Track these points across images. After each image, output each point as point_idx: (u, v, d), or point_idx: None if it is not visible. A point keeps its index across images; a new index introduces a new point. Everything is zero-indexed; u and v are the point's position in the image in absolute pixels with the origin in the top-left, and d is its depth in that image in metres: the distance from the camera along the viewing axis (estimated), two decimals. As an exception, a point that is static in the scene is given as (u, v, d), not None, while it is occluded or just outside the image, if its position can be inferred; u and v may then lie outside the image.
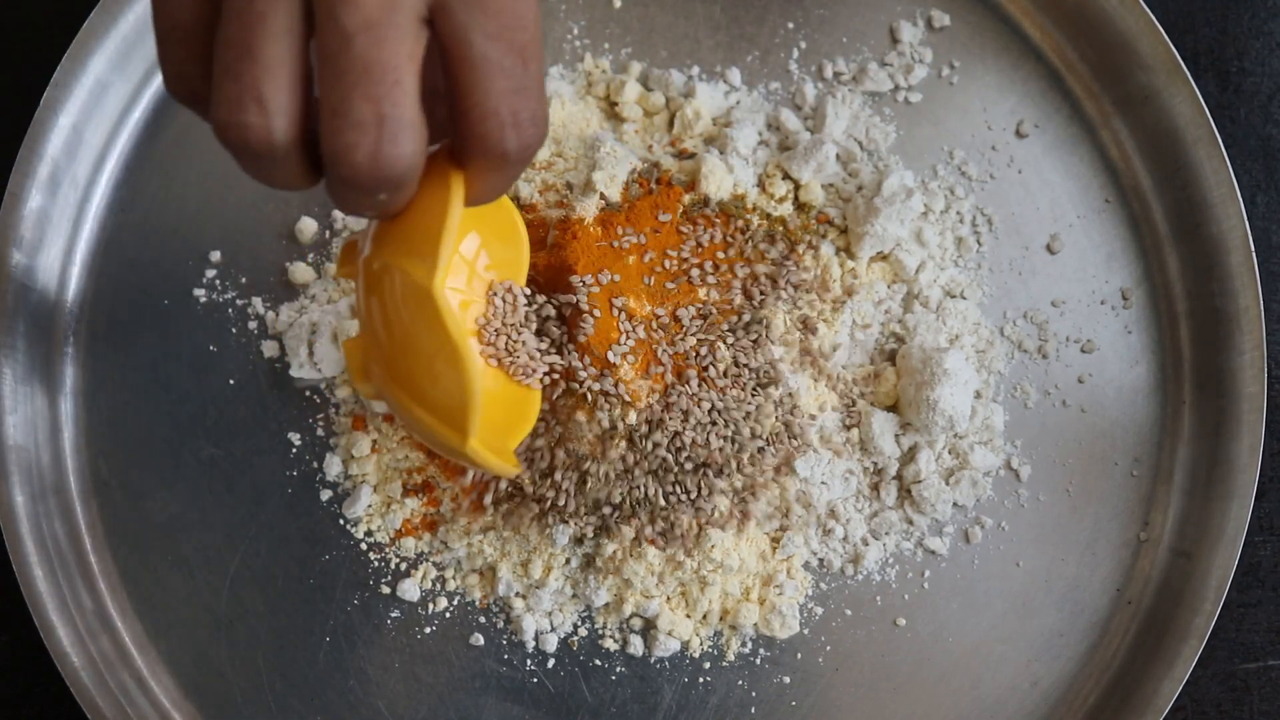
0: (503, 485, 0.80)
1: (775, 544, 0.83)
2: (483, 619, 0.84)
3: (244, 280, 0.87)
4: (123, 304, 0.86)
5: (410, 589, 0.84)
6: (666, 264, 0.80)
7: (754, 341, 0.80)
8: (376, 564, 0.84)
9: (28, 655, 0.86)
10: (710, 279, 0.81)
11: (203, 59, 0.51)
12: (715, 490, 0.79)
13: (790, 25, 0.90)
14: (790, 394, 0.81)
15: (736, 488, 0.80)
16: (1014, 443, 0.87)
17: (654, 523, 0.79)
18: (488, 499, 0.80)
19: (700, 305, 0.80)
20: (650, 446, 0.77)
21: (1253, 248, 0.84)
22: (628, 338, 0.77)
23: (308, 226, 0.87)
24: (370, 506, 0.84)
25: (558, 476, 0.78)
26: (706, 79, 0.90)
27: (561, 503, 0.79)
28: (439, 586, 0.84)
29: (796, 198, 0.87)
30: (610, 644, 0.84)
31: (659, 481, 0.78)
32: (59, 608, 0.82)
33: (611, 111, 0.90)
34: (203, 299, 0.87)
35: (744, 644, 0.84)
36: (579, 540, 0.82)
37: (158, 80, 0.88)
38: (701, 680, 0.84)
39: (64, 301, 0.86)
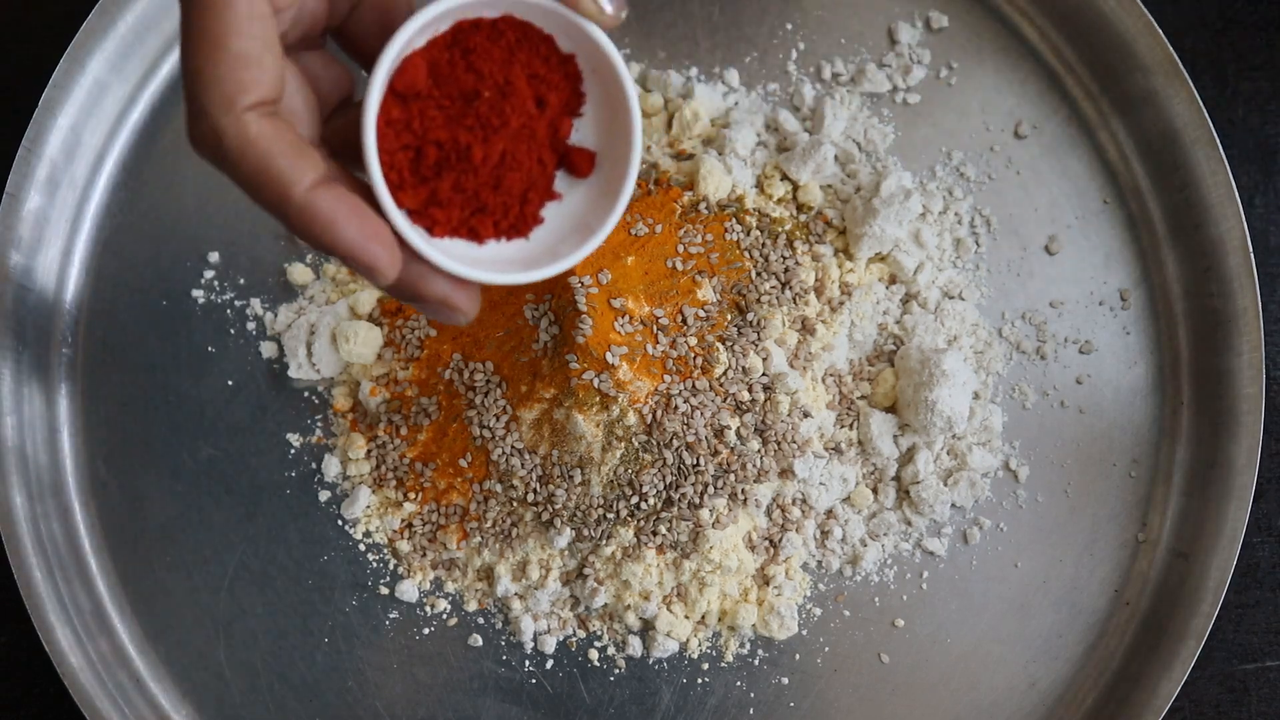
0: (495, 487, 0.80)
1: (774, 546, 0.83)
2: (481, 620, 0.84)
3: (242, 281, 0.87)
4: (121, 305, 0.86)
5: (409, 590, 0.84)
6: (665, 264, 0.80)
7: (752, 343, 0.80)
8: (375, 565, 0.84)
9: (28, 655, 0.86)
10: (709, 280, 0.81)
11: None
12: (714, 492, 0.79)
13: (789, 26, 0.90)
14: (789, 395, 0.81)
15: (735, 489, 0.80)
16: (1012, 444, 0.87)
17: (652, 524, 0.79)
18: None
19: (699, 306, 0.80)
20: (649, 448, 0.77)
21: (1251, 249, 0.84)
22: (626, 339, 0.77)
23: (306, 227, 0.87)
24: (369, 507, 0.84)
25: (556, 479, 0.78)
26: (705, 80, 0.90)
27: (559, 505, 0.79)
28: (437, 588, 0.84)
29: (795, 199, 0.87)
30: (609, 645, 0.84)
31: (657, 483, 0.78)
32: (58, 608, 0.82)
33: (610, 112, 0.90)
34: (201, 300, 0.87)
35: (742, 645, 0.84)
36: (577, 542, 0.82)
37: (156, 81, 0.88)
38: (700, 681, 0.84)
39: (62, 302, 0.86)
